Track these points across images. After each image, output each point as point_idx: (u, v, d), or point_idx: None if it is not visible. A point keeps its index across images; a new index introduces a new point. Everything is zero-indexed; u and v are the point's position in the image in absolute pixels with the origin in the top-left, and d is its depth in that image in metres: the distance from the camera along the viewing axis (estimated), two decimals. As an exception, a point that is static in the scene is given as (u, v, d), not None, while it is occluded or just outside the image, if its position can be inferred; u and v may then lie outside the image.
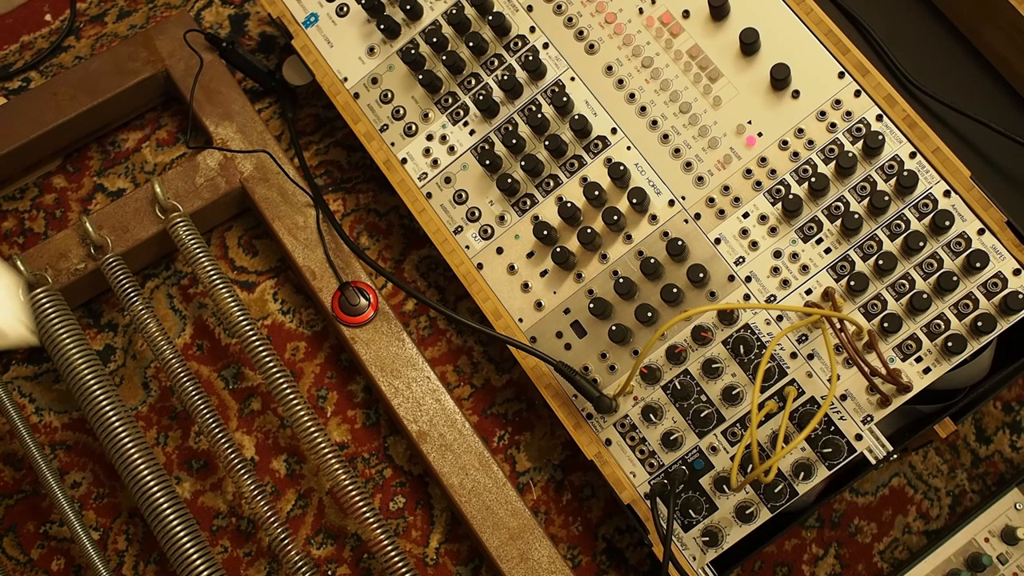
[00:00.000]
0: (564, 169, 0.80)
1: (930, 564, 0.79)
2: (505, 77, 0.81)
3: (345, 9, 0.87)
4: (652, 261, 0.76)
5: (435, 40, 0.83)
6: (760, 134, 0.76)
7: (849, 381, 0.73)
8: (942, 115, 0.80)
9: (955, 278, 0.71)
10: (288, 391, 0.80)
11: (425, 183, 0.83)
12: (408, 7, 0.84)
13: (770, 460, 0.67)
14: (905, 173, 0.72)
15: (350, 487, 0.78)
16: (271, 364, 0.81)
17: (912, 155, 0.73)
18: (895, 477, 0.86)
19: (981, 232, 0.72)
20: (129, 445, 0.77)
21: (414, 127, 0.84)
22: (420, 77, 0.83)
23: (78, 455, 0.87)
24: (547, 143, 0.79)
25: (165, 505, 0.76)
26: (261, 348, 0.81)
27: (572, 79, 0.81)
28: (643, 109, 0.79)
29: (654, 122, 0.79)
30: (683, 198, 0.77)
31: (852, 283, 0.72)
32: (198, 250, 0.84)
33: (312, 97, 0.97)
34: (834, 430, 0.73)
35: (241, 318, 0.82)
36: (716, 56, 0.78)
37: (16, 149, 0.89)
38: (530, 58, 0.81)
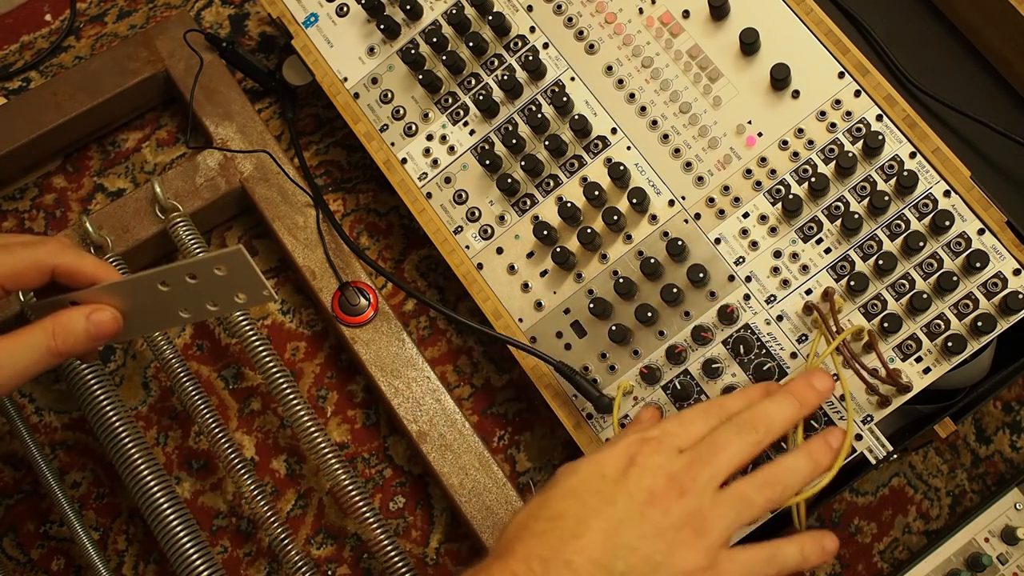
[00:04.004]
0: (564, 169, 0.80)
1: (930, 564, 0.79)
2: (505, 77, 0.81)
3: (345, 9, 0.87)
4: (652, 261, 0.76)
5: (435, 40, 0.83)
6: (760, 134, 0.76)
7: (849, 381, 0.73)
8: (942, 115, 0.80)
9: (955, 278, 0.71)
10: (288, 391, 0.80)
11: (425, 183, 0.83)
12: (408, 7, 0.84)
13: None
14: (905, 173, 0.72)
15: (350, 487, 0.78)
16: (271, 364, 0.81)
17: (912, 155, 0.73)
18: (895, 477, 0.86)
19: (981, 232, 0.72)
20: (129, 445, 0.77)
21: (414, 127, 0.84)
22: (420, 77, 0.83)
23: (78, 455, 0.87)
24: (547, 143, 0.79)
25: (165, 505, 0.76)
26: (261, 348, 0.81)
27: (572, 79, 0.81)
28: (643, 109, 0.79)
29: (654, 122, 0.79)
30: (683, 198, 0.77)
31: (852, 283, 0.72)
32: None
33: (312, 97, 0.97)
34: (834, 430, 0.73)
35: (241, 318, 0.82)
36: (716, 56, 0.78)
37: (16, 149, 0.89)
38: (530, 58, 0.81)
